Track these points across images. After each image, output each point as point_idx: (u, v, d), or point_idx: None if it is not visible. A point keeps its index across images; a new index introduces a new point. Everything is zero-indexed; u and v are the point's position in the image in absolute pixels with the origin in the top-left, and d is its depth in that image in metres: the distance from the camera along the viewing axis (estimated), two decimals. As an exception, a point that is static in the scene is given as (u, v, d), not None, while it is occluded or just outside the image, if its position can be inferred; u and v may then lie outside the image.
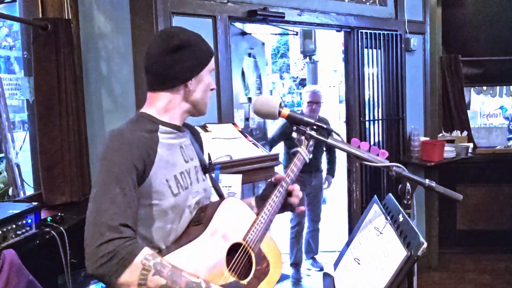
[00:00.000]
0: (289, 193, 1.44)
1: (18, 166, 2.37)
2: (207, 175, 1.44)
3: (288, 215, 3.52)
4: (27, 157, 2.43)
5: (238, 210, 1.33)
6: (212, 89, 1.35)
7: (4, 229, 1.67)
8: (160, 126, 1.25)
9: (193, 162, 1.34)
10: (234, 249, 1.25)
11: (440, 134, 4.04)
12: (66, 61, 2.23)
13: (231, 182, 1.98)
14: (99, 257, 0.98)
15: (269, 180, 1.52)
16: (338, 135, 1.35)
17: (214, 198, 1.46)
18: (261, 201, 1.45)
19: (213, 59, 1.33)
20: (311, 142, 1.58)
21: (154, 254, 1.05)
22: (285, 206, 1.44)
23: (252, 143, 2.42)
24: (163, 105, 1.27)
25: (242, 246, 1.27)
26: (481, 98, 5.12)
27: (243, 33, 3.06)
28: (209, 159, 1.46)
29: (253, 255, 1.29)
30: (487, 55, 4.24)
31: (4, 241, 1.66)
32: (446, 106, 4.13)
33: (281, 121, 3.46)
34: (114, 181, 1.08)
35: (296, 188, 1.47)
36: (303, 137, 1.56)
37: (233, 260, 1.23)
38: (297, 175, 1.47)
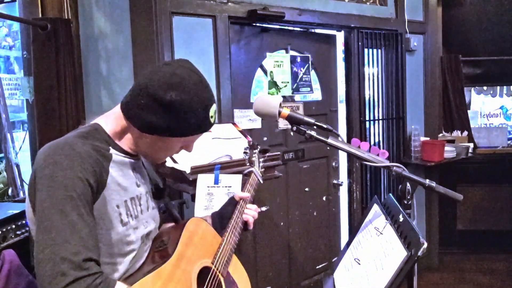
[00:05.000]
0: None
1: (17, 166, 2.37)
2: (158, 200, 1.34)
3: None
4: (26, 157, 2.43)
5: (203, 232, 1.27)
6: (171, 155, 1.21)
7: (4, 229, 1.67)
8: (111, 148, 1.09)
9: (144, 187, 1.21)
10: (202, 273, 1.18)
11: (441, 134, 4.04)
12: (66, 61, 2.23)
13: (231, 182, 1.97)
14: None
15: (231, 196, 1.51)
16: (338, 135, 1.35)
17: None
18: (219, 218, 1.44)
19: (193, 137, 1.16)
20: (262, 164, 1.66)
21: None
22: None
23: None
24: (120, 129, 1.12)
25: (211, 271, 1.21)
26: (481, 98, 5.11)
27: (265, 29, 3.00)
28: (164, 181, 1.35)
29: (222, 279, 1.23)
30: (487, 55, 4.24)
31: (4, 241, 1.66)
32: (446, 106, 4.13)
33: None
34: (69, 204, 0.90)
35: (254, 207, 1.51)
36: (254, 158, 1.65)
37: (204, 287, 1.17)
38: (253, 196, 1.51)
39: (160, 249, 1.16)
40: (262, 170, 1.66)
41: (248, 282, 1.34)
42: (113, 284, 0.89)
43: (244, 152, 1.67)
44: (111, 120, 1.13)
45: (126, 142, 1.13)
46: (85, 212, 0.92)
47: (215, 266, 1.22)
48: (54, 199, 0.90)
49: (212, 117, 1.15)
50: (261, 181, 1.61)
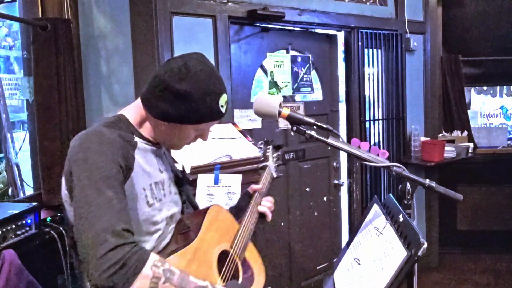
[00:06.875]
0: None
1: (17, 166, 2.37)
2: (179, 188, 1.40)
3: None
4: (26, 157, 2.42)
5: (223, 218, 1.34)
6: (188, 143, 1.28)
7: (4, 229, 1.67)
8: (135, 136, 1.19)
9: (167, 174, 1.30)
10: (221, 256, 1.25)
11: (441, 134, 4.04)
12: (66, 61, 2.22)
13: (231, 182, 1.97)
14: (107, 266, 0.89)
15: (246, 190, 1.59)
16: (338, 135, 1.35)
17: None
18: (237, 211, 1.51)
19: (206, 125, 1.22)
20: (276, 158, 1.73)
21: (162, 259, 0.98)
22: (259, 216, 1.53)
23: (252, 143, 2.42)
24: (141, 118, 1.23)
25: (230, 255, 1.28)
26: (481, 98, 5.11)
27: (265, 29, 2.99)
28: (183, 170, 1.44)
29: (239, 263, 1.31)
30: (487, 55, 4.24)
31: (3, 241, 1.66)
32: (446, 106, 4.13)
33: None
34: (104, 183, 0.99)
35: (270, 199, 1.57)
36: (268, 153, 1.71)
37: (223, 268, 1.23)
38: (268, 188, 1.58)
39: (184, 232, 1.25)
40: (276, 165, 1.72)
41: (263, 268, 1.40)
42: (148, 253, 0.96)
43: (259, 147, 1.73)
44: (132, 110, 1.24)
45: (146, 131, 1.23)
46: (117, 190, 1.01)
47: (233, 250, 1.30)
48: (90, 179, 1.00)
49: (223, 106, 1.21)
50: (275, 175, 1.67)
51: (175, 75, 1.13)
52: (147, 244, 1.16)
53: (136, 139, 1.18)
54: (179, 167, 1.47)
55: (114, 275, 0.89)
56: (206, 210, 1.29)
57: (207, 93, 1.15)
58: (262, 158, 1.72)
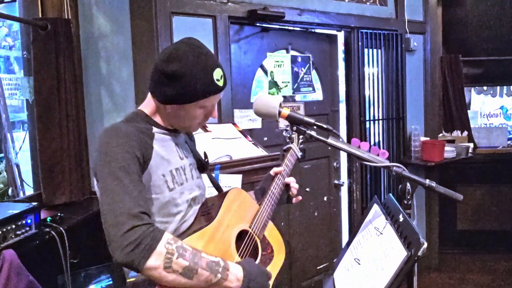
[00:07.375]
0: (286, 186, 1.60)
1: (17, 166, 2.37)
2: (203, 174, 1.49)
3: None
4: (27, 157, 2.43)
5: (243, 200, 1.40)
6: (199, 123, 1.34)
7: (4, 229, 1.67)
8: (154, 127, 1.29)
9: (188, 160, 1.37)
10: (240, 236, 1.32)
11: (441, 134, 4.04)
12: (66, 61, 2.23)
13: (231, 182, 1.97)
14: (125, 245, 1.00)
15: (268, 173, 1.63)
16: (338, 135, 1.35)
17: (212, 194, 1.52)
18: (260, 193, 1.58)
19: (207, 101, 1.27)
20: (301, 140, 1.73)
21: (175, 238, 1.08)
22: (283, 197, 1.61)
23: (252, 143, 2.42)
24: (154, 108, 1.31)
25: (248, 233, 1.34)
26: (481, 98, 5.11)
27: (265, 29, 2.98)
28: (205, 157, 1.51)
29: (258, 241, 1.37)
30: (487, 55, 4.24)
31: (4, 241, 1.66)
32: (447, 106, 4.12)
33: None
34: (121, 172, 1.10)
35: (292, 180, 1.63)
36: (294, 135, 1.71)
37: (242, 246, 1.29)
38: (291, 169, 1.61)
39: (205, 214, 1.33)
40: (301, 146, 1.77)
41: (282, 245, 1.45)
42: (162, 232, 1.06)
43: (285, 130, 1.75)
44: (146, 103, 1.33)
45: (161, 119, 1.31)
46: (134, 178, 1.11)
47: (252, 230, 1.36)
48: (109, 169, 1.11)
49: (218, 80, 1.27)
50: (299, 156, 1.71)
51: (166, 59, 1.22)
52: (170, 225, 1.25)
53: (154, 130, 1.28)
54: (201, 153, 1.52)
55: (131, 252, 1.00)
56: (226, 193, 1.36)
57: (198, 70, 1.22)
58: (288, 140, 1.76)
